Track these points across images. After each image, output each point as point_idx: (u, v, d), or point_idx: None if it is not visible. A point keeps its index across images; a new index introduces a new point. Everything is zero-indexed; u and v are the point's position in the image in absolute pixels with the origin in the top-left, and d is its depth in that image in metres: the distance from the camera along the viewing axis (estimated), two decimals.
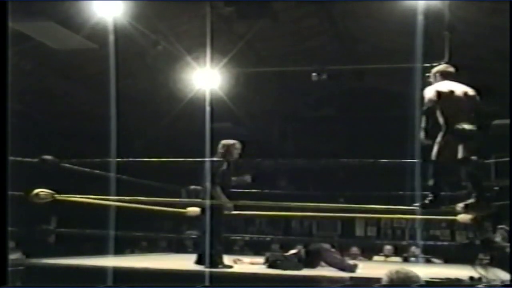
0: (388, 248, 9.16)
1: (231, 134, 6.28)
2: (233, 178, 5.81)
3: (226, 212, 5.53)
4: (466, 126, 4.66)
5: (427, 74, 7.34)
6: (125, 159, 5.86)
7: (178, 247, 9.56)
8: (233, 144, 5.69)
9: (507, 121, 6.28)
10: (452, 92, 4.81)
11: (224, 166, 5.55)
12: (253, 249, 10.09)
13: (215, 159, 5.61)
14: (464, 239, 9.94)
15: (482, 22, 7.36)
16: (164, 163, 6.67)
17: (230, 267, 5.42)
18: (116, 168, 6.03)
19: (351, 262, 5.78)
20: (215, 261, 5.28)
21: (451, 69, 5.08)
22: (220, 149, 5.66)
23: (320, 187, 9.16)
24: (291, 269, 5.24)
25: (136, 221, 7.79)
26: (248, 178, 5.99)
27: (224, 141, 5.72)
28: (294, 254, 5.74)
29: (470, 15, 7.23)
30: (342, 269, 5.32)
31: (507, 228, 5.30)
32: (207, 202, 5.48)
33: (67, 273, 5.10)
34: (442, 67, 5.17)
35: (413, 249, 9.22)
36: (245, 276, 5.05)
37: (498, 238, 5.35)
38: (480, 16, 7.28)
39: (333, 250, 5.97)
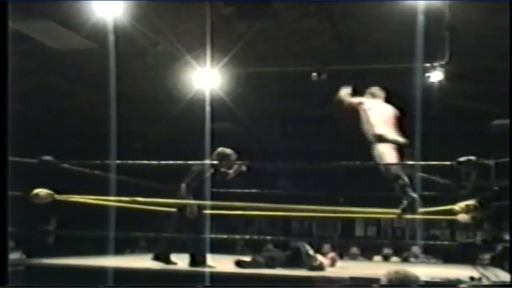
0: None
1: (231, 134, 6.28)
2: (230, 171, 5.83)
3: (189, 215, 5.55)
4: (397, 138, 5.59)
5: (427, 74, 7.37)
6: (124, 161, 5.85)
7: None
8: (229, 155, 5.74)
9: (507, 121, 6.28)
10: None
11: (210, 172, 5.60)
12: (253, 249, 10.08)
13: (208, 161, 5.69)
14: (464, 239, 9.94)
15: (482, 22, 7.35)
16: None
17: (175, 263, 5.56)
18: (116, 169, 6.02)
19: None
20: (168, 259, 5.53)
21: (381, 93, 6.11)
22: (215, 155, 5.73)
23: (319, 187, 9.14)
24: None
25: (136, 221, 7.79)
26: (244, 167, 5.93)
27: (221, 149, 5.76)
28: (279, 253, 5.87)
29: (470, 15, 7.23)
30: None
31: None
32: (207, 203, 5.49)
33: (67, 273, 5.11)
34: (374, 89, 6.11)
35: (415, 249, 9.22)
36: (245, 276, 5.05)
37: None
38: (480, 16, 7.27)
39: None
